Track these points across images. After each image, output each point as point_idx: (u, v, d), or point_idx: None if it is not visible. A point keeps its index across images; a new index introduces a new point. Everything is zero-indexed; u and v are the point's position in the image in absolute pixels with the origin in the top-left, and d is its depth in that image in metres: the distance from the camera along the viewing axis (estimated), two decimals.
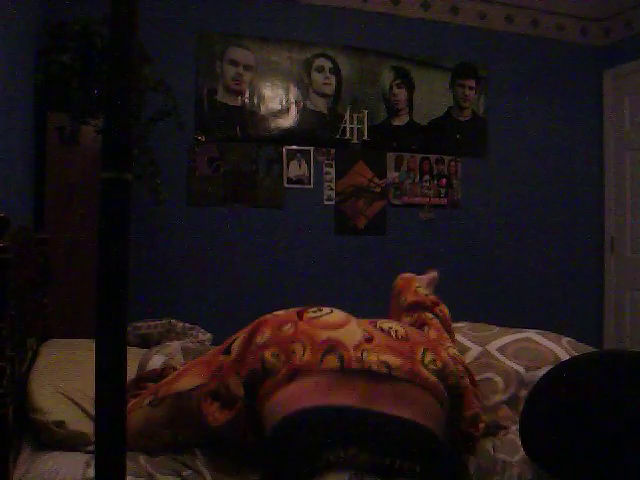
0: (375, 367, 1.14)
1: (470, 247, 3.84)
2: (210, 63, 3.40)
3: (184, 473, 1.28)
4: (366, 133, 3.68)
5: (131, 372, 1.61)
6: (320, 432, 1.01)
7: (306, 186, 3.56)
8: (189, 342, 2.18)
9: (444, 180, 3.82)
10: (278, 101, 3.52)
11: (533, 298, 3.93)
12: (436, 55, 3.83)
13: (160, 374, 1.62)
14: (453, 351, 1.43)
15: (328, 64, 3.63)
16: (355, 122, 3.66)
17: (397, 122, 3.75)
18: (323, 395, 1.10)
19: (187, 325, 2.59)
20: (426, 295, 1.76)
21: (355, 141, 3.66)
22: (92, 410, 1.36)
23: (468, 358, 1.74)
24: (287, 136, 3.53)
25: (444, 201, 3.83)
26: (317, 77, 3.61)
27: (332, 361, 1.15)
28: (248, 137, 3.46)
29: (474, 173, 3.89)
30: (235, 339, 1.35)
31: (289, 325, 1.26)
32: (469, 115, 3.89)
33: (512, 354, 1.77)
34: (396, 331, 1.29)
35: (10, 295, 1.14)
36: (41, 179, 2.54)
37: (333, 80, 3.63)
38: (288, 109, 3.54)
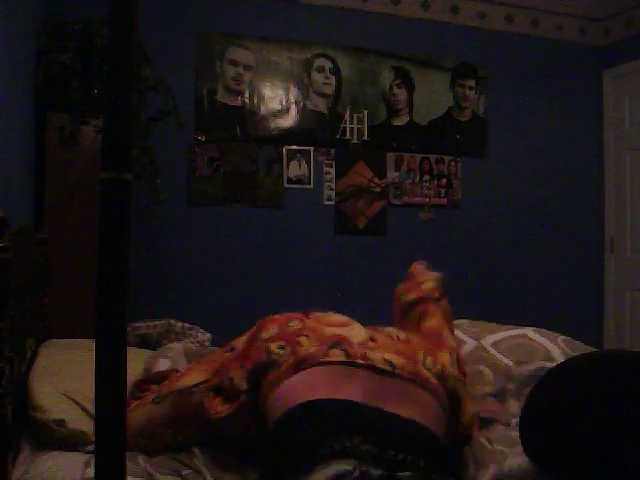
0: (379, 364, 1.15)
1: (470, 247, 3.84)
2: (210, 63, 3.40)
3: (184, 472, 1.28)
4: (366, 133, 3.68)
5: (132, 373, 1.61)
6: (325, 422, 1.02)
7: (306, 186, 3.56)
8: (189, 342, 2.18)
9: (444, 180, 3.82)
10: (278, 101, 3.52)
11: (533, 298, 3.93)
12: (436, 55, 3.83)
13: (164, 376, 1.63)
14: (446, 357, 1.41)
15: (328, 64, 3.63)
16: (355, 122, 3.66)
17: (397, 122, 3.75)
18: (328, 388, 1.10)
19: (186, 325, 2.60)
20: (431, 289, 1.74)
21: (355, 141, 3.66)
22: (92, 409, 1.36)
23: (463, 351, 1.77)
24: (287, 136, 3.53)
25: (444, 201, 3.83)
26: (317, 77, 3.61)
27: (337, 354, 1.15)
28: (248, 137, 3.46)
29: (474, 173, 3.88)
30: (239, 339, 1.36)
31: (296, 321, 1.28)
32: (469, 115, 3.89)
33: (505, 349, 1.80)
34: (397, 335, 1.30)
35: (10, 295, 1.14)
36: (41, 179, 2.54)
37: (333, 80, 3.63)
38: (288, 109, 3.54)
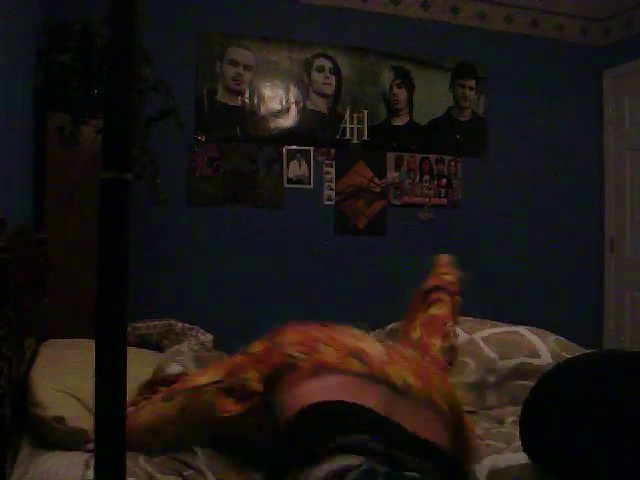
0: (396, 381, 1.16)
1: (470, 247, 3.83)
2: (210, 63, 3.40)
3: (185, 473, 1.27)
4: (366, 133, 3.68)
5: (134, 373, 1.61)
6: (336, 420, 1.03)
7: (306, 186, 3.56)
8: (194, 344, 2.18)
9: (444, 180, 3.82)
10: (278, 101, 3.52)
11: (533, 298, 3.93)
12: (436, 55, 3.83)
13: (174, 379, 1.64)
14: (438, 344, 1.52)
15: (328, 64, 3.62)
16: (355, 122, 3.66)
17: (397, 122, 3.75)
18: (345, 394, 1.11)
19: (187, 325, 2.59)
20: (450, 282, 1.89)
21: (355, 141, 3.66)
22: (93, 406, 1.37)
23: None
24: (287, 136, 3.53)
25: (444, 201, 3.83)
26: (317, 77, 3.61)
27: (356, 364, 1.17)
28: (248, 137, 3.46)
29: (474, 173, 3.88)
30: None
31: (314, 330, 1.30)
32: (469, 115, 3.89)
33: (493, 343, 1.84)
34: (408, 354, 1.34)
35: (9, 295, 1.14)
36: (41, 179, 2.54)
37: (333, 80, 3.63)
38: (288, 109, 3.54)
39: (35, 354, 1.75)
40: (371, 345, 1.27)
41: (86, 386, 1.45)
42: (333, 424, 1.02)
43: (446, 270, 2.00)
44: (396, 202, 3.73)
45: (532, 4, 3.95)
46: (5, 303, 1.11)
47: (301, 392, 1.15)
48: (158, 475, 1.25)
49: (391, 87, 3.75)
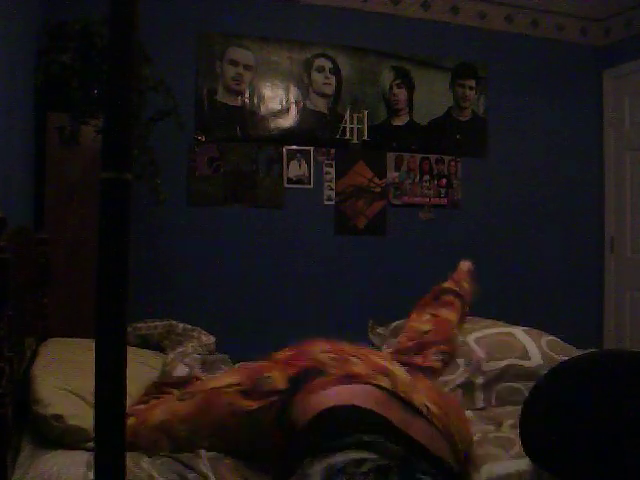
0: (418, 405, 1.19)
1: (470, 247, 3.83)
2: (210, 63, 3.40)
3: (189, 476, 1.26)
4: (366, 133, 3.68)
5: (135, 373, 1.60)
6: (359, 420, 1.07)
7: (306, 186, 3.56)
8: (197, 346, 2.19)
9: (444, 180, 3.82)
10: (278, 101, 3.52)
11: (533, 298, 3.93)
12: (436, 55, 3.83)
13: (185, 381, 1.64)
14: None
15: (328, 64, 3.62)
16: (355, 122, 3.66)
17: (397, 122, 3.75)
18: (369, 402, 1.14)
19: (188, 326, 2.58)
20: (466, 291, 2.10)
21: (355, 141, 3.66)
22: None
23: None
24: (287, 136, 3.53)
25: (444, 201, 3.83)
26: (317, 77, 3.61)
27: (384, 381, 1.21)
28: (248, 137, 3.46)
29: (474, 173, 3.88)
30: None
31: (344, 344, 1.36)
32: (469, 115, 3.89)
33: (484, 344, 1.86)
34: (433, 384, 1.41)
35: (9, 295, 1.14)
36: (41, 179, 2.54)
37: (333, 80, 3.63)
38: (288, 109, 3.54)
39: (35, 353, 1.75)
40: (397, 369, 1.31)
41: (88, 385, 1.45)
42: (353, 423, 1.04)
43: (465, 277, 2.17)
44: (396, 202, 3.73)
45: (532, 4, 3.95)
46: (6, 303, 1.11)
47: (328, 394, 1.17)
48: (161, 478, 1.24)
49: (391, 87, 3.75)
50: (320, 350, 1.31)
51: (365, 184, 3.66)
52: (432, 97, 3.82)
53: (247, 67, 3.47)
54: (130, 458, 1.28)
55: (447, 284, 2.13)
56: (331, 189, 3.61)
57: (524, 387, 1.74)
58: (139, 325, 2.43)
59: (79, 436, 1.37)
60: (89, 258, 2.37)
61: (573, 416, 1.09)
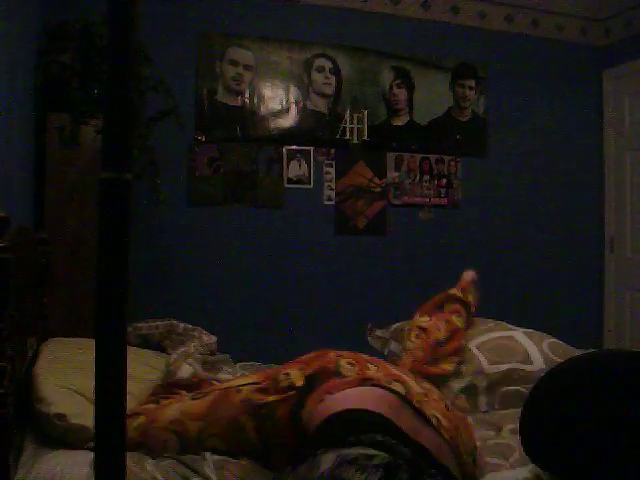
0: (429, 417, 1.20)
1: (470, 247, 3.84)
2: (210, 63, 3.40)
3: (192, 479, 1.25)
4: (366, 133, 3.68)
5: (136, 373, 1.61)
6: (370, 422, 1.09)
7: (306, 186, 3.56)
8: (199, 346, 2.18)
9: (444, 180, 3.82)
10: (278, 101, 3.52)
11: (533, 298, 3.93)
12: (436, 55, 3.83)
13: (194, 383, 1.65)
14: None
15: (328, 64, 3.62)
16: (355, 122, 3.66)
17: (397, 122, 3.75)
18: (382, 407, 1.15)
19: (189, 326, 2.58)
20: (471, 301, 2.16)
21: (355, 141, 3.66)
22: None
23: None
24: (287, 136, 3.53)
25: (444, 201, 3.83)
26: (317, 77, 3.61)
27: (398, 386, 1.23)
28: (248, 137, 3.46)
29: (474, 173, 3.88)
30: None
31: (364, 355, 1.38)
32: (469, 115, 3.89)
33: (486, 349, 1.88)
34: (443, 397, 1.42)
35: (11, 295, 1.14)
36: (41, 179, 2.54)
37: (333, 80, 3.63)
38: (288, 109, 3.54)
39: (37, 353, 1.75)
40: (412, 382, 1.33)
41: (91, 384, 1.44)
42: (364, 425, 1.06)
43: (470, 287, 2.21)
44: (396, 202, 3.73)
45: (532, 4, 3.95)
46: (6, 303, 1.11)
47: (344, 396, 1.18)
48: None
49: (391, 87, 3.75)
50: (337, 355, 1.33)
51: (365, 184, 3.66)
52: (432, 97, 3.82)
53: (247, 67, 3.47)
54: (134, 460, 1.27)
55: (452, 291, 2.16)
56: (331, 189, 3.61)
57: (527, 391, 1.75)
58: (140, 325, 2.43)
59: (82, 435, 1.36)
60: (89, 258, 2.37)
61: (573, 416, 1.09)
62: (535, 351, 1.88)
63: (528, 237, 3.99)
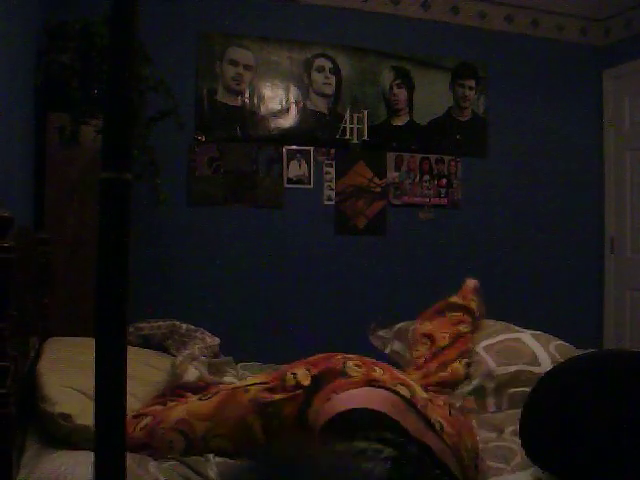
0: (433, 422, 1.21)
1: (470, 247, 3.84)
2: (210, 63, 3.40)
3: None
4: (366, 133, 3.68)
5: (137, 373, 1.60)
6: (377, 421, 1.10)
7: (306, 186, 3.56)
8: (202, 348, 2.18)
9: (444, 180, 3.82)
10: (278, 101, 3.52)
11: (533, 298, 3.92)
12: (436, 55, 3.83)
13: (202, 387, 1.65)
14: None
15: (328, 64, 3.62)
16: (355, 122, 3.66)
17: (397, 122, 3.75)
18: (387, 407, 1.16)
19: (191, 327, 2.57)
20: (475, 309, 2.16)
21: (355, 141, 3.66)
22: None
23: None
24: (287, 136, 3.53)
25: (444, 201, 3.83)
26: (317, 77, 3.61)
27: (404, 390, 1.25)
28: (248, 137, 3.46)
29: (474, 173, 3.88)
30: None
31: (371, 359, 1.40)
32: (469, 115, 3.89)
33: (494, 351, 1.88)
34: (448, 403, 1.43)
35: (12, 295, 1.14)
36: (41, 179, 2.54)
37: (333, 80, 3.63)
38: (288, 109, 3.54)
39: (39, 353, 1.75)
40: (417, 387, 1.34)
41: (92, 383, 1.44)
42: (371, 423, 1.07)
43: (473, 296, 2.22)
44: (396, 202, 3.73)
45: (532, 4, 3.95)
46: (8, 303, 1.11)
47: (350, 396, 1.19)
48: None
49: (391, 87, 3.75)
50: (345, 356, 1.35)
51: (365, 184, 3.66)
52: (432, 97, 3.82)
53: (247, 67, 3.47)
54: (137, 461, 1.27)
55: (454, 299, 2.17)
56: (331, 189, 3.61)
57: None
58: (141, 325, 2.43)
59: (87, 435, 1.36)
60: (89, 258, 2.37)
61: (573, 416, 1.09)
62: (542, 353, 1.88)
63: (528, 237, 3.98)
